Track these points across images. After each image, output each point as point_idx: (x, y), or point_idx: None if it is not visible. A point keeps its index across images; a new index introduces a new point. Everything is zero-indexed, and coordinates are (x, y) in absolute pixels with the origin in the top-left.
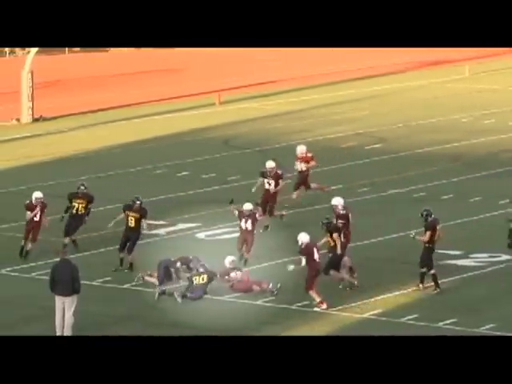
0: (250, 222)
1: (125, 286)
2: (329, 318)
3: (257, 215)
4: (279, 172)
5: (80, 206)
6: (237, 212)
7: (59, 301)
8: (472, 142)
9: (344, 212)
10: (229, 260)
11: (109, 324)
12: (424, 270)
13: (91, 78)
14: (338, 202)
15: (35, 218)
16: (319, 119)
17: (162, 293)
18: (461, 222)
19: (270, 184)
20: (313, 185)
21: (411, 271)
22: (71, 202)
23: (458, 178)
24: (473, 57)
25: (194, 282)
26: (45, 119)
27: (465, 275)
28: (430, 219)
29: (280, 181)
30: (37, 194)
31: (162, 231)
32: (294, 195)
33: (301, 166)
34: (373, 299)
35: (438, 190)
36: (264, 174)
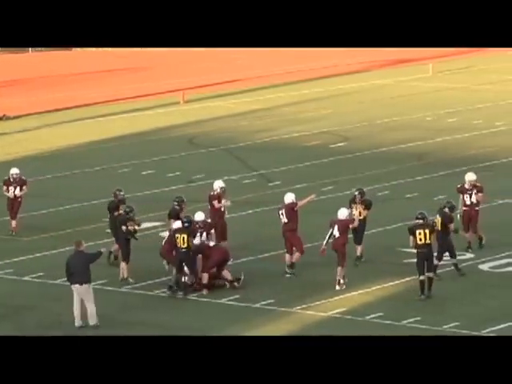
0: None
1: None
2: (293, 317)
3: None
4: (24, 178)
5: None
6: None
7: (76, 291)
8: (436, 141)
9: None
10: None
11: (70, 323)
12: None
13: (55, 76)
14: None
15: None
16: (284, 118)
17: None
18: None
19: (15, 189)
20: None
21: (376, 270)
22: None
23: (423, 176)
24: (436, 55)
25: None
26: (8, 118)
27: (429, 274)
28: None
29: (24, 187)
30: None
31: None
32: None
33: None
34: (337, 297)
35: (403, 188)
36: (6, 182)
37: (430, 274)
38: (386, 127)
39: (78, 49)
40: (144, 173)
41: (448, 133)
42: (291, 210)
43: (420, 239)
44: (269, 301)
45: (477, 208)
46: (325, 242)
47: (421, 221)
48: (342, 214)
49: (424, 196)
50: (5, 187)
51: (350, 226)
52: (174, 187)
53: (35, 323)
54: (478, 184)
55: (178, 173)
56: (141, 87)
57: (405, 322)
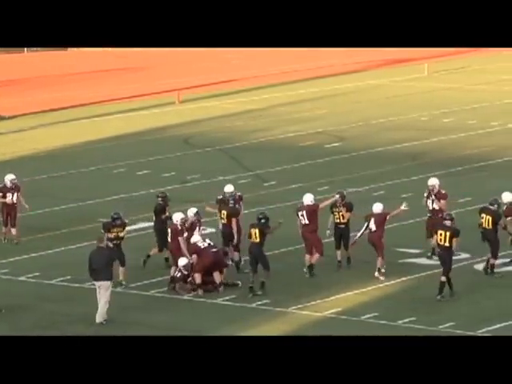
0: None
1: (85, 286)
2: (288, 317)
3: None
4: (18, 184)
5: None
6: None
7: (98, 287)
8: (431, 141)
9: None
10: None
11: (66, 323)
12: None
13: (50, 76)
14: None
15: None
16: (280, 118)
17: None
18: (420, 221)
19: (13, 195)
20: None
21: (371, 270)
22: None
23: (418, 176)
24: (432, 55)
25: None
26: (3, 118)
27: (423, 274)
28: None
29: (18, 193)
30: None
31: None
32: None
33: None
34: (333, 297)
35: (398, 188)
36: (3, 189)
37: (442, 278)
38: (382, 127)
39: (74, 49)
40: (139, 173)
41: (443, 133)
42: (313, 211)
43: (440, 240)
44: (264, 301)
45: (440, 215)
46: (359, 234)
47: (448, 222)
48: (378, 207)
49: (419, 196)
50: (0, 194)
51: (387, 218)
52: (169, 187)
53: (31, 323)
54: (442, 191)
55: (173, 173)
56: (136, 87)
57: (400, 322)
